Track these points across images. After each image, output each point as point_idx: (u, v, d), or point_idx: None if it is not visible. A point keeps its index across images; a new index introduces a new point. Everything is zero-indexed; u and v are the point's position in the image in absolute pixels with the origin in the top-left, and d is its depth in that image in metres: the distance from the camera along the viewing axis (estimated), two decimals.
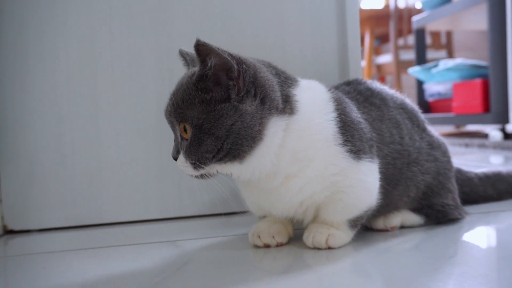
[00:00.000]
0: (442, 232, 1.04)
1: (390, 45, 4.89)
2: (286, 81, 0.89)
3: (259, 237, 0.98)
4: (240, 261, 0.93)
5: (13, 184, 1.25)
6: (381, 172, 0.96)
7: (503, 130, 2.97)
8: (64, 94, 1.26)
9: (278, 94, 0.86)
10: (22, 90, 1.25)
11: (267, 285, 0.78)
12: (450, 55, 4.92)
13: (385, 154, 0.98)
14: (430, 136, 1.12)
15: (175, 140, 0.88)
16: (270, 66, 0.91)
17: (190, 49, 0.96)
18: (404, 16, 4.82)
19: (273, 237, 0.98)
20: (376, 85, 1.11)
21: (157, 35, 1.29)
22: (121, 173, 1.29)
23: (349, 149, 0.90)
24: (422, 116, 1.15)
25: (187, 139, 0.84)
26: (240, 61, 0.81)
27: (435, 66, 3.36)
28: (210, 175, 0.87)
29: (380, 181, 0.96)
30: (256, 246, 0.99)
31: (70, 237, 1.20)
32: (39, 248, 1.11)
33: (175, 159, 0.87)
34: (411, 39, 4.94)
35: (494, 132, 2.98)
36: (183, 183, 1.31)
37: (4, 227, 1.25)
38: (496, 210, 1.22)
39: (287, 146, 0.86)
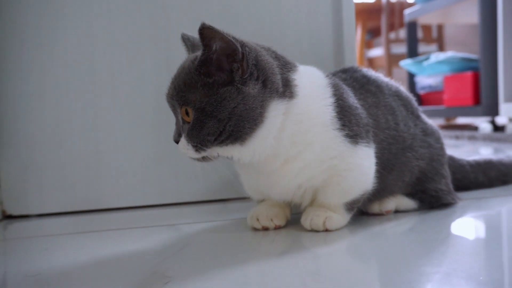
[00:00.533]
0: (436, 216, 1.07)
1: (382, 38, 4.93)
2: (286, 65, 0.91)
3: (257, 220, 1.00)
4: (239, 243, 0.95)
5: (11, 169, 1.26)
6: (376, 157, 0.99)
7: (492, 122, 3.01)
8: (62, 80, 1.27)
9: (279, 77, 0.88)
10: (20, 75, 1.25)
11: (266, 266, 0.80)
12: (441, 48, 4.97)
13: (380, 140, 1.01)
14: (424, 123, 1.14)
15: (176, 124, 0.90)
16: (269, 50, 0.92)
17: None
18: (395, 9, 4.85)
19: (272, 220, 1.00)
20: (372, 73, 1.13)
21: (155, 21, 1.30)
22: (119, 158, 1.30)
23: (346, 133, 0.92)
24: (416, 103, 1.17)
25: (188, 122, 0.85)
26: (243, 44, 0.83)
27: (427, 59, 3.40)
28: (211, 158, 0.89)
29: (376, 165, 0.99)
30: (255, 229, 1.01)
31: (69, 222, 1.21)
32: (39, 232, 1.13)
33: (177, 142, 0.89)
34: (402, 33, 4.98)
35: (484, 124, 3.03)
36: (180, 170, 1.33)
37: (3, 212, 1.26)
38: (487, 196, 1.26)
39: (286, 129, 0.88)
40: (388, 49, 4.81)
